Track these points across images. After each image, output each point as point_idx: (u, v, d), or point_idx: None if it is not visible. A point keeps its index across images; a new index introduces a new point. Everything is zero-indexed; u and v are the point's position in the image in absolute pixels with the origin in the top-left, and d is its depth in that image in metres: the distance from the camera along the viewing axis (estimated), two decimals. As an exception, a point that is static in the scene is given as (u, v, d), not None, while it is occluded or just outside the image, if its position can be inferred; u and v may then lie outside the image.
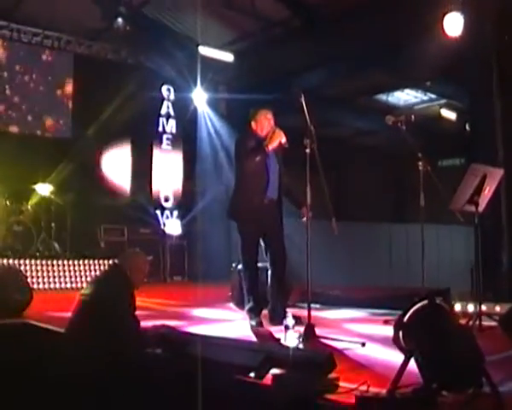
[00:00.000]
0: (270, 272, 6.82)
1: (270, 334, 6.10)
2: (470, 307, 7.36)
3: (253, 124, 6.80)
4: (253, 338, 5.86)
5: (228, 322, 7.29)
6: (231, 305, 8.58)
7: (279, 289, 6.76)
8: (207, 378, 3.84)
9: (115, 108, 13.33)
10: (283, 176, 6.86)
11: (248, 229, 6.71)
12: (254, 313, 6.63)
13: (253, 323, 6.55)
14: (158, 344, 4.68)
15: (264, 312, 6.79)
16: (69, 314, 4.93)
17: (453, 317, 3.73)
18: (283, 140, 6.48)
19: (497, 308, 7.33)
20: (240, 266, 8.57)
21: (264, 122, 6.72)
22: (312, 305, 6.05)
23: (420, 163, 6.57)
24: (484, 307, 6.75)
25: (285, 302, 6.94)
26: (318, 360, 3.93)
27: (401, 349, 3.62)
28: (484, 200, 6.51)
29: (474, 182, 6.37)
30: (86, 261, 11.80)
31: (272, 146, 6.49)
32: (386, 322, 6.53)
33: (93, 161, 13.45)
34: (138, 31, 13.54)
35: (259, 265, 7.05)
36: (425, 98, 17.92)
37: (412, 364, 3.49)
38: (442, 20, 9.71)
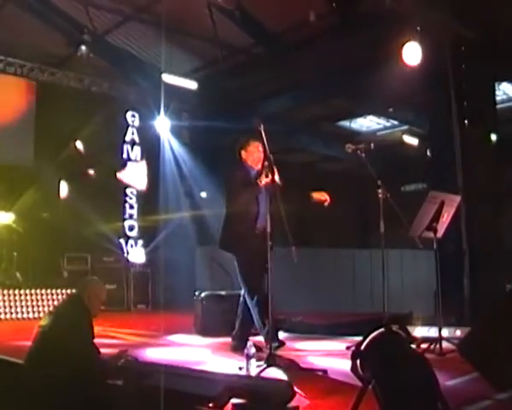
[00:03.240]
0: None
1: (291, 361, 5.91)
2: (432, 332, 7.42)
3: (243, 154, 6.67)
4: (220, 368, 5.82)
5: (191, 351, 7.26)
6: (194, 334, 8.55)
7: (250, 317, 6.65)
8: (168, 409, 3.82)
9: (79, 136, 13.29)
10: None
11: (245, 257, 6.52)
12: (273, 337, 6.12)
13: (275, 345, 6.14)
14: (119, 375, 4.63)
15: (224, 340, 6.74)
16: (29, 345, 4.87)
17: (409, 344, 3.77)
18: (276, 177, 6.21)
19: (458, 332, 7.43)
20: (203, 295, 8.62)
21: (255, 154, 6.59)
22: (275, 332, 6.05)
23: (379, 190, 6.62)
24: (445, 331, 6.84)
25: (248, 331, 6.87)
26: (278, 389, 3.94)
27: (359, 378, 3.64)
28: (442, 226, 6.61)
29: (433, 209, 6.47)
30: (49, 291, 11.68)
31: (266, 183, 6.21)
32: (348, 348, 6.55)
33: (56, 189, 13.32)
34: (102, 58, 13.55)
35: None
36: (387, 125, 18.17)
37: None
38: (402, 49, 9.89)
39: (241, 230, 6.50)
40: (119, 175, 14.78)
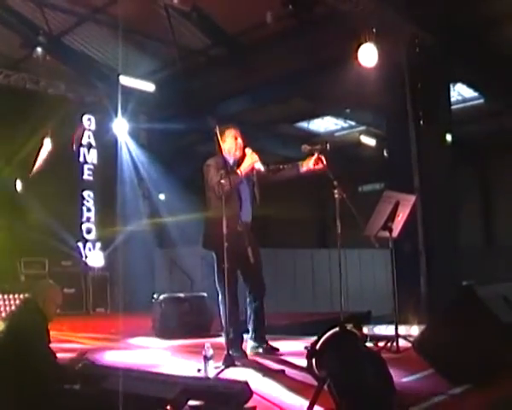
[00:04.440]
0: (248, 300, 6.53)
1: (259, 364, 5.95)
2: (389, 330, 7.50)
3: (221, 144, 6.39)
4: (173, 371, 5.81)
5: (150, 353, 7.23)
6: (153, 336, 8.52)
7: (259, 317, 6.60)
8: (126, 413, 3.81)
9: (35, 139, 13.11)
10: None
11: (226, 257, 5.88)
12: (236, 344, 6.23)
13: (237, 354, 6.08)
14: (76, 379, 4.58)
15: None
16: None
17: (364, 343, 3.82)
18: (257, 165, 6.20)
19: (415, 330, 7.52)
20: (161, 297, 8.58)
21: (232, 143, 6.37)
22: (233, 334, 6.07)
23: (335, 191, 6.57)
24: (402, 329, 6.91)
25: (263, 331, 6.75)
26: (235, 390, 3.95)
27: (315, 377, 3.67)
28: (398, 226, 6.66)
29: (388, 209, 6.51)
30: (6, 296, 11.52)
31: (245, 171, 6.17)
32: (306, 348, 6.57)
33: (11, 193, 13.12)
34: (58, 60, 13.41)
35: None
36: (345, 125, 18.33)
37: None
38: (358, 50, 9.96)
39: (221, 227, 5.84)
40: None
